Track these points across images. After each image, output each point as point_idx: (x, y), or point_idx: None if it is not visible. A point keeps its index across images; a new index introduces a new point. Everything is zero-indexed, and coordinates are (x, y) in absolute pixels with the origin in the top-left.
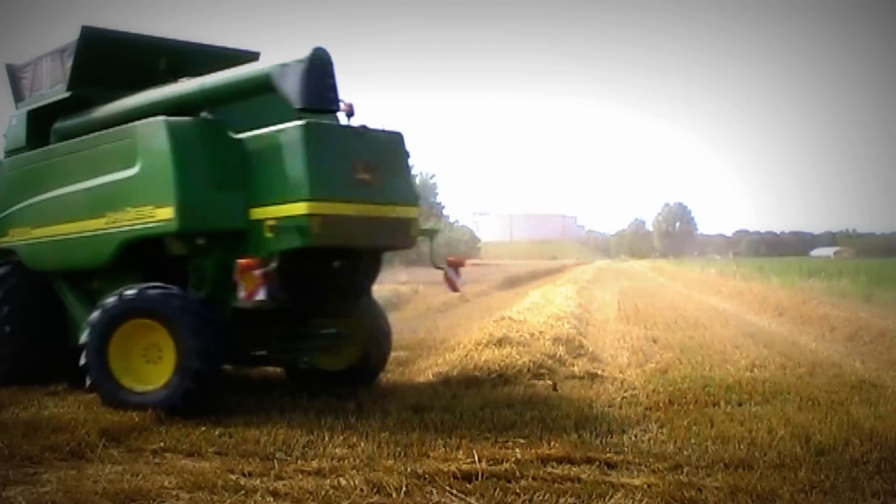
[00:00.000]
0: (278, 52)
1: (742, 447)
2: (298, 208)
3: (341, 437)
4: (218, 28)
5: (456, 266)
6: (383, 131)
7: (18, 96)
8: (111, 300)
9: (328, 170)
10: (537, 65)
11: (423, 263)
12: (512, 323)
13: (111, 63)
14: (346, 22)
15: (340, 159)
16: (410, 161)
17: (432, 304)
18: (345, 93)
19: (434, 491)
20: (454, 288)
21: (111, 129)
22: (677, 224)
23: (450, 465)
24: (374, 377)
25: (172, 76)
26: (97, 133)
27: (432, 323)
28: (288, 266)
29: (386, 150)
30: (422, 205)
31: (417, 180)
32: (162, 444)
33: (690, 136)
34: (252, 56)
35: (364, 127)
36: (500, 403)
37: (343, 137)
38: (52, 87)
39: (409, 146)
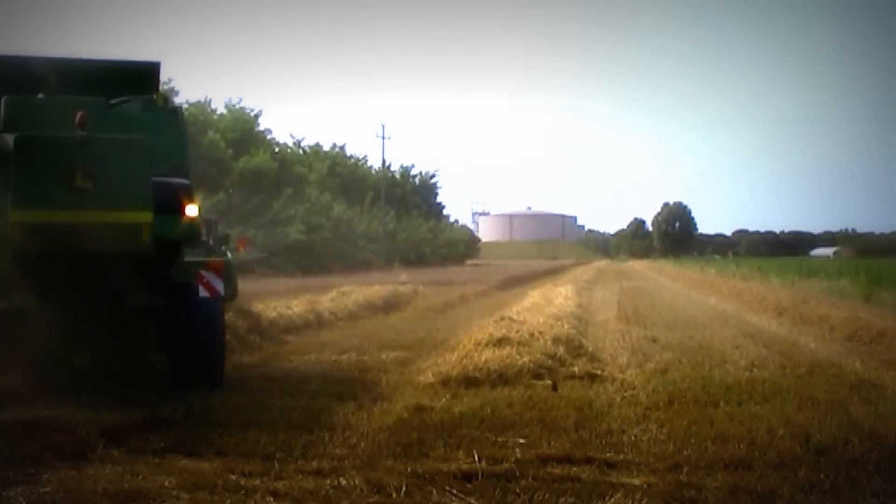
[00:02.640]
0: (279, 52)
1: (742, 447)
2: (6, 217)
3: (341, 437)
4: (216, 28)
5: (215, 270)
6: (115, 139)
7: None
8: None
9: (38, 180)
10: (537, 65)
11: (424, 264)
12: (512, 323)
13: None
14: (347, 22)
15: (55, 169)
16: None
17: (432, 305)
18: (344, 92)
19: (434, 491)
20: (213, 292)
21: None
22: (677, 224)
23: (450, 465)
24: (198, 382)
25: (66, 92)
26: None
27: (432, 323)
28: (33, 271)
29: (115, 156)
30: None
31: (417, 180)
32: (162, 444)
33: (690, 135)
34: (150, 66)
35: (87, 136)
36: (499, 403)
37: (61, 148)
38: None
39: (150, 151)
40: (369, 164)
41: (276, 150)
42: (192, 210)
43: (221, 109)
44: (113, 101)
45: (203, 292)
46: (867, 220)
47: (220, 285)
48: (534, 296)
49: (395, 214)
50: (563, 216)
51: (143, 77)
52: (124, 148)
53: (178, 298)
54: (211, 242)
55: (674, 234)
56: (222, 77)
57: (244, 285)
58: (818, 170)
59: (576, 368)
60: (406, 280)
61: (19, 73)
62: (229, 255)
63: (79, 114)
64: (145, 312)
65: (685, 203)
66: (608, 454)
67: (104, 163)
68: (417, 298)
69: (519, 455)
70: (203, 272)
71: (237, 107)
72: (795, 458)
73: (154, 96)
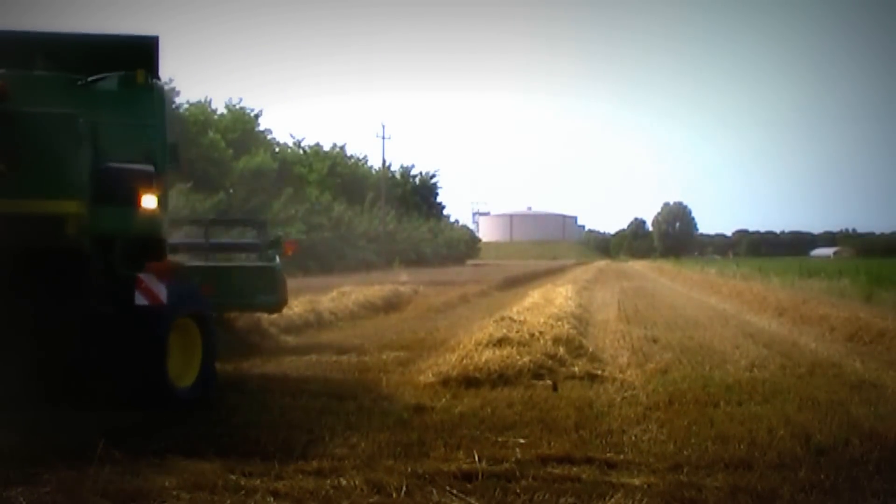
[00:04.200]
0: (279, 52)
1: (742, 447)
2: None
3: (341, 437)
4: (216, 28)
5: (158, 273)
6: (37, 113)
7: None
8: None
9: None
10: (537, 65)
11: (425, 264)
12: (512, 323)
13: None
14: (347, 22)
15: None
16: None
17: (433, 305)
18: (344, 92)
19: (434, 491)
20: (153, 299)
21: None
22: (677, 224)
23: (450, 465)
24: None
25: (54, 68)
26: None
27: (432, 323)
28: None
29: (38, 134)
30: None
31: (417, 180)
32: (162, 444)
33: (690, 135)
34: (147, 40)
35: (5, 109)
36: (500, 403)
37: None
38: None
39: (84, 130)
40: (369, 164)
41: (277, 150)
42: (149, 201)
43: (222, 109)
44: (90, 78)
45: (141, 299)
46: (867, 220)
47: (162, 291)
48: (534, 296)
49: (395, 214)
50: (563, 216)
51: (139, 52)
52: (50, 124)
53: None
54: (262, 245)
55: (674, 234)
56: (222, 77)
57: None
58: (818, 170)
59: (576, 368)
60: (406, 280)
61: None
62: (277, 259)
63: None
64: (91, 322)
65: (685, 203)
66: (608, 454)
67: (24, 141)
68: (417, 298)
69: (519, 455)
70: (142, 275)
71: (237, 107)
72: (796, 458)
73: (135, 72)
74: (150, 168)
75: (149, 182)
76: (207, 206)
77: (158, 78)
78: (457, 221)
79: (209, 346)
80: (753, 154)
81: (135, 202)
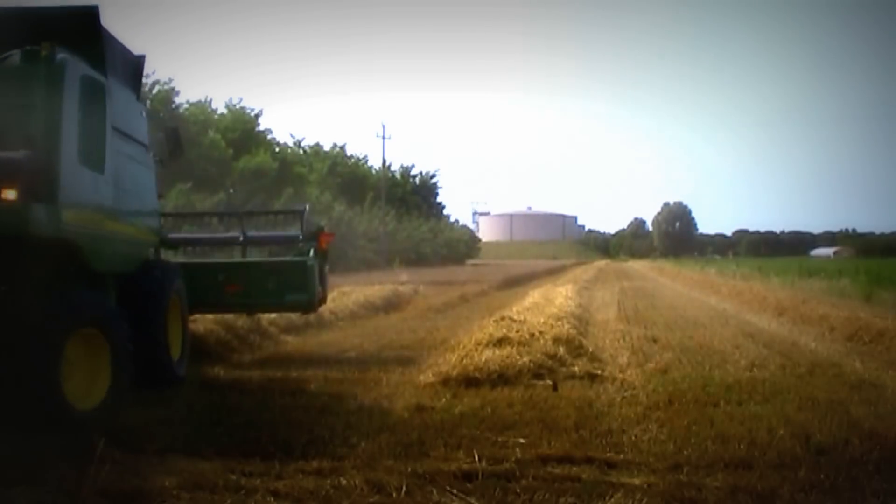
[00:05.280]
0: (279, 52)
1: (742, 447)
2: None
3: (341, 437)
4: (216, 28)
5: None
6: None
7: None
8: None
9: None
10: (537, 65)
11: (425, 264)
12: (512, 323)
13: None
14: (347, 22)
15: None
16: None
17: (433, 304)
18: (344, 92)
19: (434, 491)
20: None
21: None
22: (677, 224)
23: (450, 465)
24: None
25: None
26: None
27: (432, 323)
28: None
29: None
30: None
31: (417, 180)
32: (162, 444)
33: (690, 135)
34: (88, 10)
35: None
36: (500, 403)
37: None
38: None
39: None
40: (369, 164)
41: (277, 149)
42: (8, 193)
43: (222, 109)
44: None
45: None
46: (867, 220)
47: None
48: (534, 296)
49: (395, 214)
50: (563, 216)
51: (80, 25)
52: None
53: None
54: (302, 238)
55: (674, 234)
56: (222, 77)
57: None
58: (818, 170)
59: (576, 368)
60: (406, 280)
61: None
62: (311, 253)
63: None
64: None
65: (685, 203)
66: (608, 454)
67: None
68: (417, 298)
69: (519, 455)
70: None
71: (237, 107)
72: (795, 458)
73: (39, 46)
74: (15, 155)
75: (12, 171)
76: (207, 206)
77: (103, 53)
78: (457, 221)
79: (119, 362)
80: (753, 154)
81: None
